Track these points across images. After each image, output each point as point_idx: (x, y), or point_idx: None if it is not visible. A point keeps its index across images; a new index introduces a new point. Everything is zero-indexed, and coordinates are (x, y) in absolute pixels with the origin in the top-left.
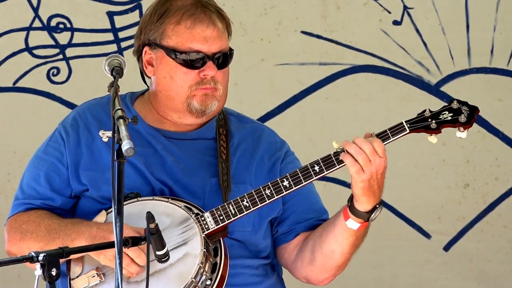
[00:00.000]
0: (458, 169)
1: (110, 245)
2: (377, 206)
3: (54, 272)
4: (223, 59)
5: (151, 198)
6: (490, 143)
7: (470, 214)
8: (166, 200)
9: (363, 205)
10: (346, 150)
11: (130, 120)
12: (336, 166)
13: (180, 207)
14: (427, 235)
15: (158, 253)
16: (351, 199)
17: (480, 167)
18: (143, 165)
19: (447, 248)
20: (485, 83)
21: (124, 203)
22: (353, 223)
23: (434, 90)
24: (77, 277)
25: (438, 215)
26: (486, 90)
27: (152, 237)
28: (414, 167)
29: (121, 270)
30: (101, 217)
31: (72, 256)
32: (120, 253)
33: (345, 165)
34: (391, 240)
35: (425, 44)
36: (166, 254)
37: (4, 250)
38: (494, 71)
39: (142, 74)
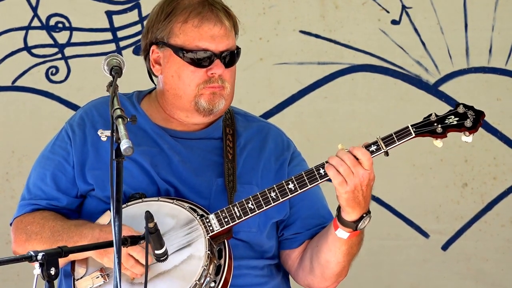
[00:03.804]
0: (456, 168)
1: (110, 244)
2: (365, 215)
3: (53, 272)
4: (230, 58)
5: (156, 199)
6: (488, 142)
7: (468, 214)
8: (171, 201)
9: (349, 215)
10: (329, 162)
11: (128, 119)
12: None
13: (185, 209)
14: (425, 234)
15: (157, 252)
16: (339, 209)
17: (478, 167)
18: (149, 165)
19: (445, 247)
20: (483, 82)
21: (129, 204)
22: (343, 233)
23: (433, 89)
24: (81, 277)
25: (436, 214)
26: (485, 90)
27: (150, 236)
28: (412, 166)
29: (119, 270)
30: (106, 218)
31: (75, 257)
32: (118, 252)
33: None
34: (389, 239)
35: (423, 44)
36: (165, 253)
37: (4, 249)
38: (492, 71)
39: (150, 73)
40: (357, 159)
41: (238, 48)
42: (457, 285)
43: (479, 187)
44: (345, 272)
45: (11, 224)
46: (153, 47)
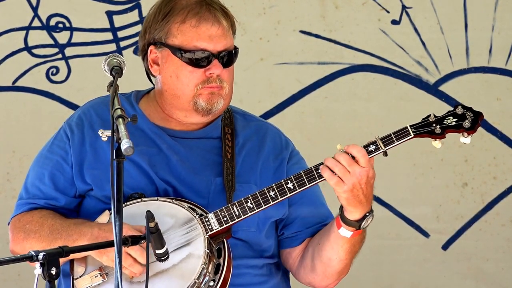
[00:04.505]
0: (456, 168)
1: (110, 244)
2: (367, 214)
3: (53, 271)
4: (228, 58)
5: (156, 198)
6: (488, 142)
7: (469, 213)
8: (170, 200)
9: (351, 214)
10: (324, 164)
11: (129, 119)
12: None
13: (184, 208)
14: (425, 234)
15: (158, 252)
16: (341, 208)
17: (479, 166)
18: (148, 165)
19: (445, 247)
20: (483, 82)
21: (128, 203)
22: (346, 231)
23: (433, 89)
24: (80, 277)
25: (437, 214)
26: (485, 90)
27: (151, 236)
28: (413, 166)
29: (120, 270)
30: (104, 217)
31: (75, 256)
32: (119, 252)
33: None
34: (390, 239)
35: (423, 44)
36: (166, 253)
37: (5, 249)
38: (492, 71)
39: (148, 73)
40: (353, 157)
41: (236, 48)
42: (457, 285)
43: (479, 187)
44: (347, 270)
45: (9, 224)
46: (151, 47)
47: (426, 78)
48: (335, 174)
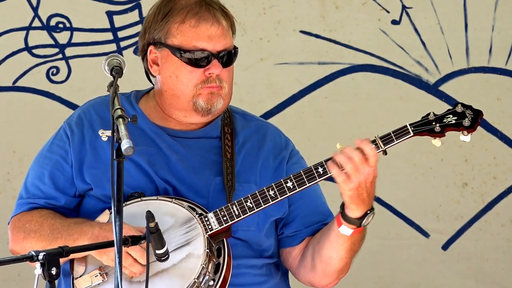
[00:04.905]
0: (456, 168)
1: (110, 244)
2: (368, 212)
3: (54, 271)
4: (228, 57)
5: (155, 198)
6: (488, 142)
7: (469, 213)
8: (170, 200)
9: (353, 212)
10: (334, 159)
11: (129, 119)
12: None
13: (184, 207)
14: (425, 234)
15: (158, 252)
16: (342, 205)
17: (479, 166)
18: (147, 164)
19: (445, 247)
20: (483, 82)
21: (128, 202)
22: (346, 229)
23: (433, 89)
24: (80, 276)
25: (437, 214)
26: (485, 90)
27: (151, 236)
28: (413, 166)
29: (120, 270)
30: (104, 217)
31: (75, 256)
32: (119, 252)
33: None
34: (390, 239)
35: (423, 44)
36: (166, 253)
37: (6, 249)
38: (492, 71)
39: (147, 73)
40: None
41: (235, 48)
42: (457, 285)
43: (479, 187)
44: (347, 269)
45: (8, 223)
46: (151, 48)
47: (426, 78)
48: (343, 170)
